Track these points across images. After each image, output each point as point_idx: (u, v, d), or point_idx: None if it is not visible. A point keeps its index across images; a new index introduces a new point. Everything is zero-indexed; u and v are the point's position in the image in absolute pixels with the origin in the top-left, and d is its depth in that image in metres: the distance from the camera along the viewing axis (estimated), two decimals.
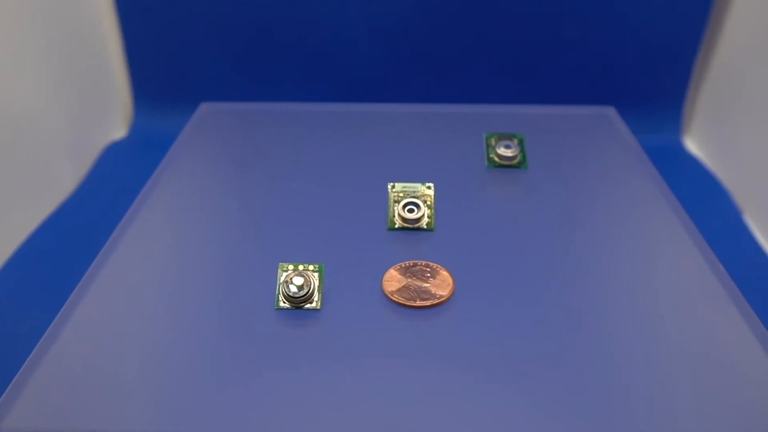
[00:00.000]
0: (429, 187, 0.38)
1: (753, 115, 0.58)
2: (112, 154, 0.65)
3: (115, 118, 0.69)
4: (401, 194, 0.38)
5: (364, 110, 0.50)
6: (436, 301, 0.31)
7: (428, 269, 0.33)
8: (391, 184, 0.38)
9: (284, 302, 0.31)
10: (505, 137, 0.44)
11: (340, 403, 0.27)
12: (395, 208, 0.37)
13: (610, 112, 0.51)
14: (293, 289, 0.30)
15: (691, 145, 0.67)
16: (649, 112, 0.68)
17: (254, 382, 0.28)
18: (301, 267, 0.31)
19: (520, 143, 0.44)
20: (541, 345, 0.29)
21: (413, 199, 0.37)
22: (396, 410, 0.26)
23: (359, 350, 0.29)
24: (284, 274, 0.31)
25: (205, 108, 0.51)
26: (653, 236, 0.36)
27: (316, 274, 0.31)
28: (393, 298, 0.31)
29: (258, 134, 0.47)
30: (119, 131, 0.69)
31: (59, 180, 0.59)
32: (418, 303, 0.31)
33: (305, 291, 0.30)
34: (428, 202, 0.37)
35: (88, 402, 0.27)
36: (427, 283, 0.32)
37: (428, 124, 0.48)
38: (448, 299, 0.31)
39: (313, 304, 0.31)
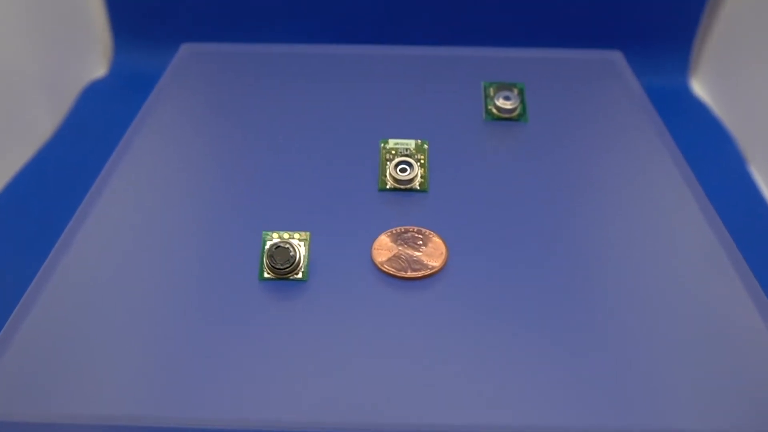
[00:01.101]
0: (423, 144, 0.36)
1: (763, 59, 0.55)
2: (92, 94, 0.62)
3: (94, 56, 0.65)
4: (393, 152, 0.36)
5: (355, 53, 0.47)
6: (428, 272, 0.29)
7: (420, 236, 0.31)
8: (383, 140, 0.36)
9: (269, 273, 0.29)
10: (504, 87, 0.41)
11: (327, 379, 0.26)
12: (387, 167, 0.35)
13: (617, 56, 0.48)
14: (278, 246, 0.28)
15: (698, 88, 0.64)
16: (657, 53, 0.65)
17: (238, 358, 0.26)
18: (286, 235, 0.30)
19: (521, 93, 0.41)
20: (538, 317, 0.28)
21: (406, 158, 0.35)
22: (385, 386, 0.25)
23: (347, 324, 0.28)
24: (268, 243, 0.29)
25: (186, 49, 0.48)
26: (657, 197, 0.35)
27: (302, 243, 0.30)
28: (383, 268, 0.29)
29: (241, 80, 0.44)
30: (99, 70, 0.66)
31: (37, 123, 0.57)
32: (410, 274, 0.29)
33: (290, 263, 0.29)
34: (422, 161, 0.35)
35: (61, 383, 0.26)
36: (419, 251, 0.30)
37: (422, 69, 0.45)
38: (441, 269, 0.30)
39: (299, 275, 0.29)
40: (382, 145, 0.36)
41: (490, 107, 0.40)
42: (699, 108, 0.61)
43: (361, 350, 0.27)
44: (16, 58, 0.54)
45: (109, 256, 0.31)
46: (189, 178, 0.35)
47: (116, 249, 0.31)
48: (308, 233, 0.30)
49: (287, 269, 0.29)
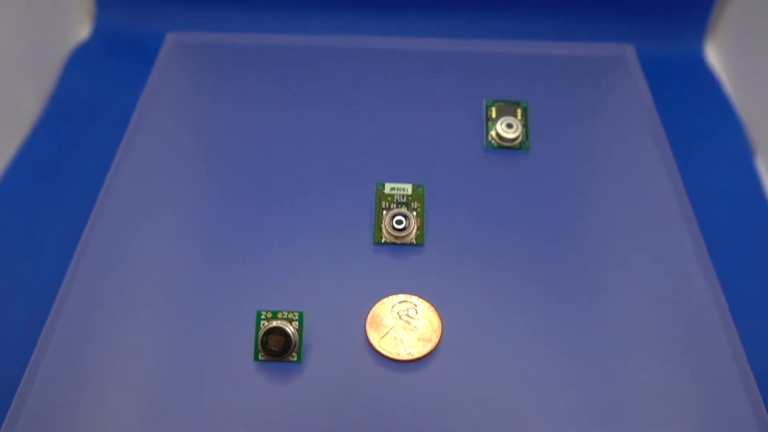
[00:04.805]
0: (420, 189, 0.35)
1: None
2: (78, 61, 0.59)
3: (75, 14, 0.62)
4: (389, 198, 0.35)
5: (346, 46, 0.44)
6: (420, 355, 0.30)
7: (414, 307, 0.31)
8: (379, 184, 0.35)
9: (263, 356, 0.29)
10: (507, 108, 0.39)
11: None
12: (383, 218, 0.34)
13: (629, 52, 0.45)
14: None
15: (713, 56, 0.61)
16: (673, 11, 0.61)
17: None
18: (279, 315, 0.30)
19: (524, 114, 0.39)
20: (546, 401, 0.29)
21: (402, 210, 0.34)
22: None
23: (341, 409, 0.28)
24: (263, 325, 0.29)
25: (172, 40, 0.45)
26: (662, 255, 0.34)
27: (296, 323, 0.30)
28: (377, 349, 0.30)
29: (223, 93, 0.41)
30: (82, 30, 0.62)
31: (19, 104, 0.54)
32: (403, 356, 0.30)
33: (285, 347, 0.29)
34: (418, 210, 0.35)
35: None
36: (413, 326, 0.30)
37: (422, 73, 0.43)
38: (435, 348, 0.30)
39: (294, 357, 0.29)
40: (378, 189, 0.35)
41: (491, 133, 0.39)
42: (710, 83, 0.59)
43: None
44: None
45: (95, 337, 0.31)
46: (169, 235, 0.34)
47: (104, 325, 0.31)
48: (302, 312, 0.30)
49: (281, 352, 0.29)
